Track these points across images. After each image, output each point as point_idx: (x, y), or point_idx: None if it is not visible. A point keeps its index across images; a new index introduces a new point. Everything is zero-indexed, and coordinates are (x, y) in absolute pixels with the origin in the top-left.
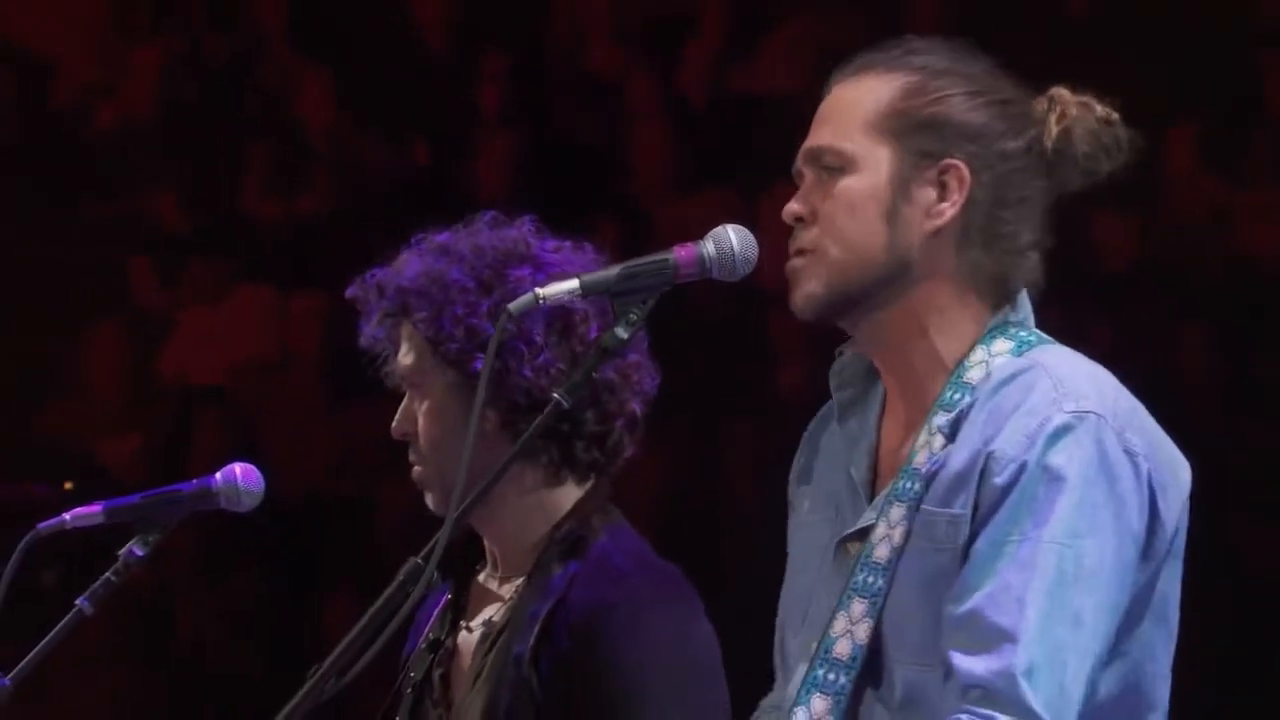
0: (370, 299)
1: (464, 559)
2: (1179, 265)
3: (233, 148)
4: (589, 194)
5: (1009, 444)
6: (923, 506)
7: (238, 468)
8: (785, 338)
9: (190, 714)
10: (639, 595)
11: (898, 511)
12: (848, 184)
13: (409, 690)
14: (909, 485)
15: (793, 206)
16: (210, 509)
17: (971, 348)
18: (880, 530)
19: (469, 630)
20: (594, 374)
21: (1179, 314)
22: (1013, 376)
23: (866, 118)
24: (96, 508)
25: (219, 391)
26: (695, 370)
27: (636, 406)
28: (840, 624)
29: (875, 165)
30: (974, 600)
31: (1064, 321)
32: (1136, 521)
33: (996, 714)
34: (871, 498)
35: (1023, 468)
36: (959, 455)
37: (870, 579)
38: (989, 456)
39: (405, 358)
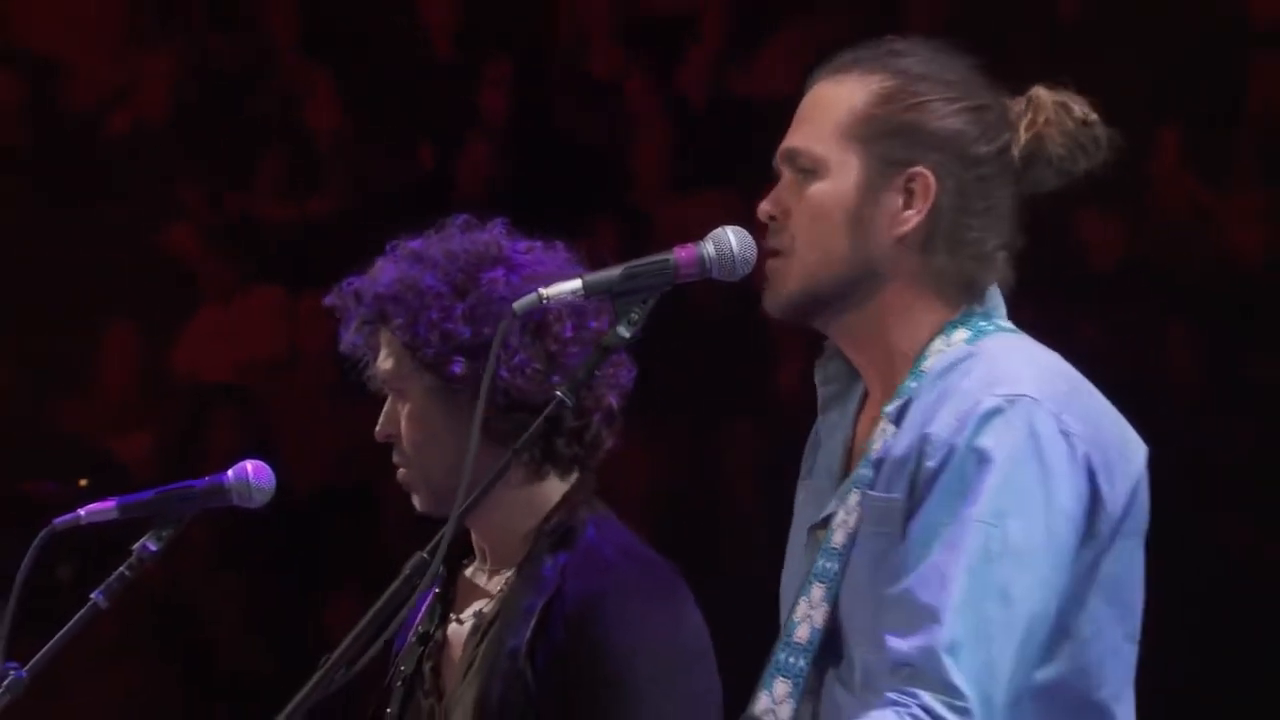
0: (349, 306)
1: (451, 553)
2: (1166, 265)
3: (244, 151)
4: (589, 195)
5: (942, 428)
6: (870, 492)
7: (249, 464)
8: (785, 338)
9: (203, 708)
10: (627, 584)
11: (854, 498)
12: (818, 189)
13: (399, 684)
14: (864, 472)
15: (765, 206)
16: (222, 505)
17: (932, 338)
18: (839, 516)
19: (459, 622)
20: (596, 372)
21: (1166, 313)
22: (955, 364)
23: (840, 122)
24: (111, 504)
25: (230, 389)
26: (695, 370)
27: (613, 400)
28: (801, 609)
29: (845, 171)
30: (905, 581)
31: (1051, 321)
32: (1072, 502)
33: (920, 691)
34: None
35: (952, 450)
36: (902, 441)
37: (828, 564)
38: (924, 440)
39: (385, 363)
